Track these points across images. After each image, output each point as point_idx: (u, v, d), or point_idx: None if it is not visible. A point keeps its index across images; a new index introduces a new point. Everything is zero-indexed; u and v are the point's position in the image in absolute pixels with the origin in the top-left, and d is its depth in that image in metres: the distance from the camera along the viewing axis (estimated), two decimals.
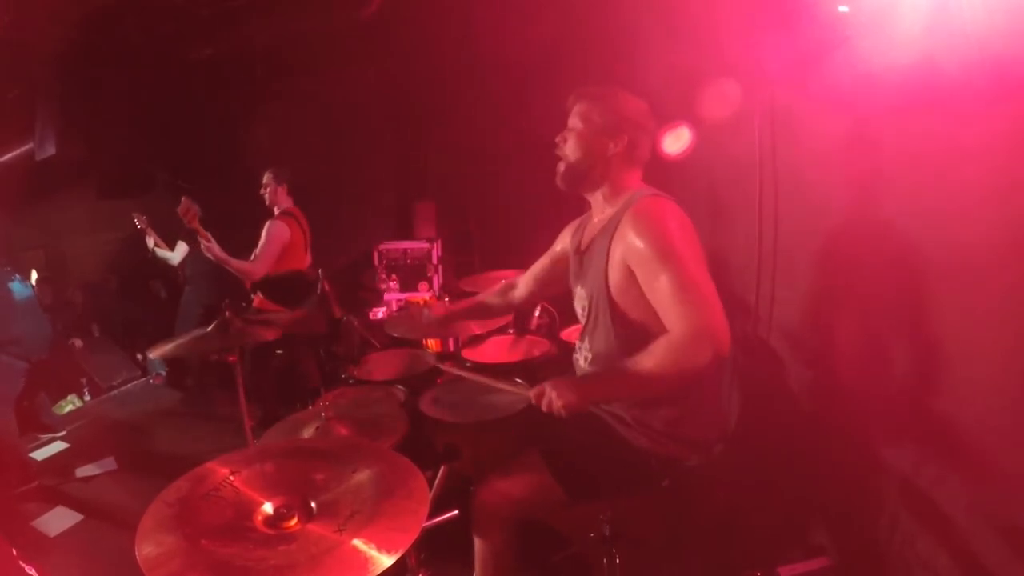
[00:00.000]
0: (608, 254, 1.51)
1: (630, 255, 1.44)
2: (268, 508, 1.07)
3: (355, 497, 1.07)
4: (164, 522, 1.01)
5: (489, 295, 2.16)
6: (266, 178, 3.44)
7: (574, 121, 1.60)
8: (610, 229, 1.53)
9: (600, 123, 1.56)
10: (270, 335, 2.08)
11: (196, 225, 3.31)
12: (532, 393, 1.38)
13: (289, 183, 3.44)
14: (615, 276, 1.50)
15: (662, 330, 1.38)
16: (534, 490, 1.54)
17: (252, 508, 1.07)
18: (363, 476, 1.13)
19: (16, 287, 3.56)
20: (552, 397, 1.33)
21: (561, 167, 1.62)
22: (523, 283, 2.04)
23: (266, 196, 3.44)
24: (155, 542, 0.96)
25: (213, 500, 1.07)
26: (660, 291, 1.37)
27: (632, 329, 1.49)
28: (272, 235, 3.26)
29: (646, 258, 1.40)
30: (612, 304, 1.52)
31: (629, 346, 1.46)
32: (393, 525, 1.00)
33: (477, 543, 1.62)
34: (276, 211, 3.42)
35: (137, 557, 0.93)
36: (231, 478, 1.13)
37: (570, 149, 1.60)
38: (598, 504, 1.52)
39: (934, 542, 1.55)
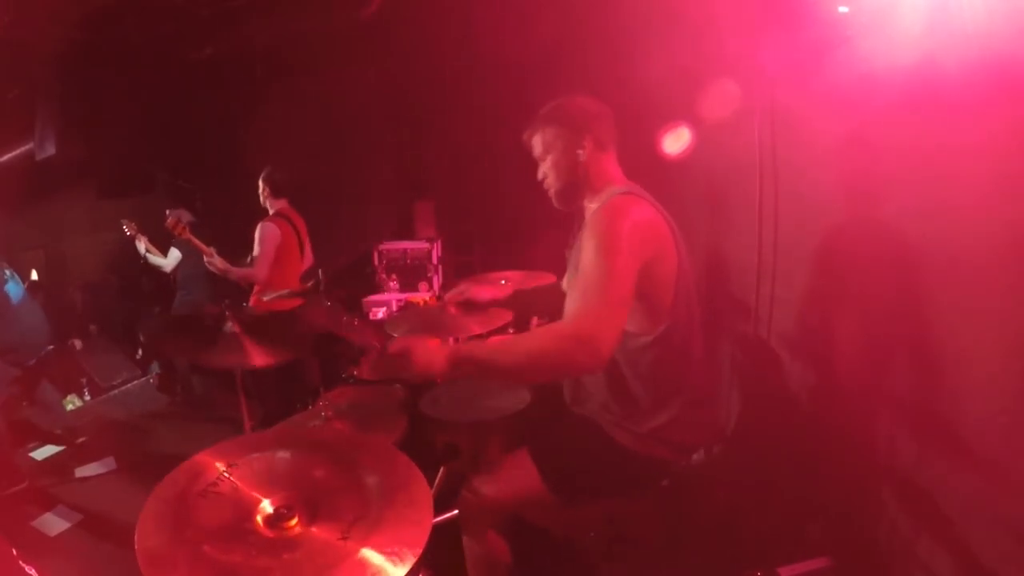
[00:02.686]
0: (582, 252, 1.52)
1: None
2: (268, 507, 1.04)
3: (357, 500, 1.05)
4: (163, 524, 0.98)
5: (529, 286, 2.17)
6: (263, 188, 3.49)
7: (541, 152, 1.64)
8: (587, 228, 1.54)
9: (563, 142, 1.60)
10: (261, 361, 2.02)
11: (189, 236, 3.35)
12: (389, 347, 1.34)
13: (271, 187, 3.45)
14: None
15: (633, 329, 1.42)
16: (522, 491, 1.54)
17: (251, 507, 1.04)
18: (364, 477, 1.10)
19: (12, 289, 3.42)
20: (408, 358, 1.30)
21: (552, 192, 1.66)
22: (565, 284, 2.01)
23: (262, 199, 3.49)
24: (157, 547, 0.94)
25: (210, 497, 1.04)
26: (579, 280, 1.37)
27: None
28: (264, 237, 3.30)
29: (587, 248, 1.40)
30: None
31: None
32: (398, 534, 0.97)
33: (466, 543, 1.62)
34: (270, 211, 3.45)
35: (139, 562, 0.91)
36: (227, 472, 1.10)
37: (553, 178, 1.64)
38: (592, 504, 1.52)
39: (934, 542, 1.55)
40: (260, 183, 3.46)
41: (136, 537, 0.95)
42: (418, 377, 1.30)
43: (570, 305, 1.35)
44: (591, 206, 1.63)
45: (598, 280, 1.33)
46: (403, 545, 0.95)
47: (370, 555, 0.93)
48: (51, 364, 3.77)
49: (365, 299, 4.27)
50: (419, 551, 0.95)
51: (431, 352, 1.30)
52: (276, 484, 1.09)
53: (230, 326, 2.02)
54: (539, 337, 1.32)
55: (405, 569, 0.91)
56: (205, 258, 3.32)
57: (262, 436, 1.40)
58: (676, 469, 1.54)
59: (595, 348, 1.23)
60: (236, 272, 3.32)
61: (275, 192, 3.45)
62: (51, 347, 3.63)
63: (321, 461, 1.14)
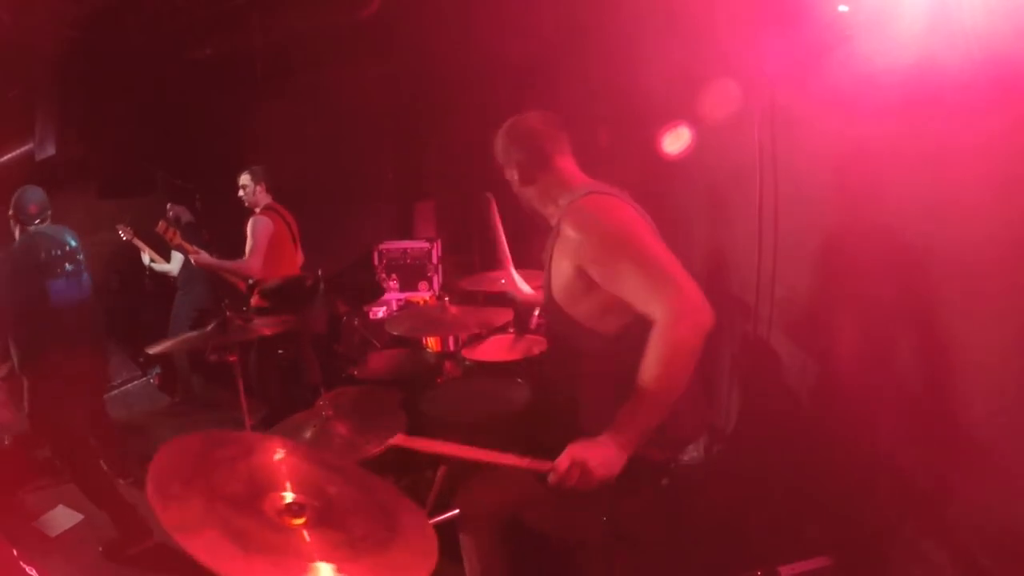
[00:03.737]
0: (552, 257, 1.53)
1: (579, 254, 1.41)
2: (283, 497, 1.02)
3: (363, 522, 1.04)
4: (179, 469, 0.95)
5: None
6: (244, 179, 3.45)
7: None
8: (554, 233, 1.54)
9: (507, 171, 1.68)
10: (269, 331, 2.08)
11: (180, 242, 3.34)
12: (555, 471, 1.23)
13: (267, 182, 3.45)
14: (558, 279, 1.50)
15: (603, 329, 1.41)
16: (517, 489, 1.53)
17: (265, 489, 1.02)
18: (372, 507, 1.09)
19: (55, 286, 2.63)
20: (586, 468, 1.20)
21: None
22: None
23: (245, 198, 3.45)
24: (171, 489, 0.91)
25: (226, 467, 1.02)
26: (625, 282, 1.34)
27: (576, 328, 1.48)
28: (257, 229, 3.28)
29: (598, 252, 1.38)
30: (556, 306, 1.53)
31: (572, 344, 1.49)
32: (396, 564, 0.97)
33: (463, 542, 1.62)
34: (257, 210, 3.45)
35: (149, 496, 0.88)
36: (243, 456, 1.07)
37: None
38: (589, 504, 1.52)
39: (934, 541, 1.55)
40: (249, 181, 3.43)
41: (150, 468, 0.92)
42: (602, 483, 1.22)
43: (643, 301, 1.31)
44: (556, 212, 1.60)
45: (641, 264, 1.32)
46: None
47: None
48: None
49: None
50: None
51: (608, 457, 1.22)
52: (289, 483, 1.07)
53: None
54: (658, 349, 1.27)
55: None
56: (192, 258, 3.28)
57: (282, 438, 1.37)
58: (673, 468, 1.54)
59: (699, 306, 1.26)
60: (227, 266, 3.31)
61: (268, 187, 3.45)
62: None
63: (337, 480, 1.13)
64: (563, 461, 1.21)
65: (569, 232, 1.43)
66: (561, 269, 1.48)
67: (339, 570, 0.92)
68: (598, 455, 1.21)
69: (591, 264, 1.39)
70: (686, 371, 1.29)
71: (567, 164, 1.63)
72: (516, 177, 1.65)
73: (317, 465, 1.16)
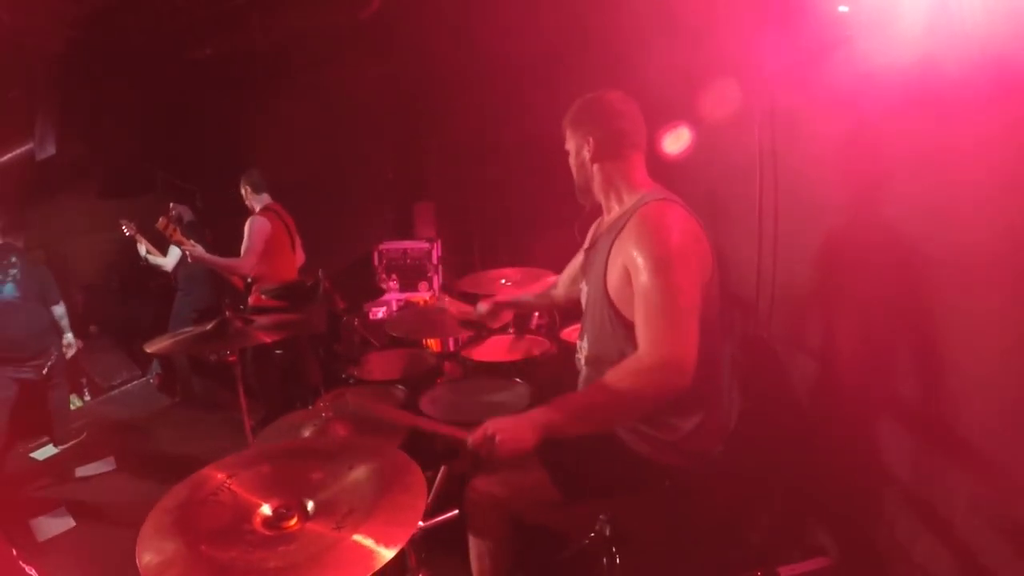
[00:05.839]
0: (609, 253, 1.52)
1: (628, 260, 1.44)
2: (266, 510, 1.06)
3: (352, 494, 1.08)
4: (163, 529, 1.01)
5: (532, 292, 2.19)
6: (244, 190, 3.54)
7: (567, 149, 1.68)
8: (615, 229, 1.54)
9: (574, 141, 1.63)
10: (268, 338, 2.08)
11: (179, 238, 3.37)
12: (471, 439, 1.28)
13: (251, 185, 3.50)
14: (613, 276, 1.51)
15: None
16: (528, 489, 1.54)
17: (251, 511, 1.06)
18: (360, 473, 1.13)
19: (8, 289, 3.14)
20: (495, 441, 1.24)
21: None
22: (561, 283, 2.05)
23: (246, 201, 3.54)
24: (155, 549, 0.96)
25: (211, 505, 1.07)
26: (642, 306, 1.38)
27: (627, 329, 1.48)
28: (254, 229, 3.32)
29: (640, 268, 1.40)
30: (609, 303, 1.53)
31: (623, 345, 1.47)
32: (390, 519, 1.00)
33: (472, 542, 1.62)
34: (256, 208, 3.49)
35: (138, 564, 0.93)
36: (229, 482, 1.12)
37: (573, 175, 1.68)
38: (595, 504, 1.52)
39: (934, 542, 1.55)
40: (242, 187, 3.51)
41: (137, 543, 0.97)
42: (509, 457, 1.26)
43: (642, 331, 1.36)
44: (616, 208, 1.62)
45: (662, 300, 1.34)
46: (393, 528, 0.98)
47: (360, 539, 0.96)
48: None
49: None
50: (409, 533, 0.99)
51: (519, 433, 1.25)
52: (275, 489, 1.11)
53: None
54: (624, 379, 1.32)
55: (393, 551, 0.94)
56: (187, 251, 3.34)
57: (262, 448, 1.43)
58: (682, 472, 1.54)
59: (681, 369, 1.28)
60: (220, 263, 3.35)
61: (256, 189, 3.48)
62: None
63: (319, 465, 1.17)
64: (478, 432, 1.27)
65: (631, 236, 1.45)
66: (615, 265, 1.50)
67: (362, 534, 0.97)
68: (509, 430, 1.25)
69: (632, 273, 1.43)
70: (629, 411, 1.36)
71: (638, 161, 1.63)
72: (586, 153, 1.59)
73: (286, 460, 1.21)
